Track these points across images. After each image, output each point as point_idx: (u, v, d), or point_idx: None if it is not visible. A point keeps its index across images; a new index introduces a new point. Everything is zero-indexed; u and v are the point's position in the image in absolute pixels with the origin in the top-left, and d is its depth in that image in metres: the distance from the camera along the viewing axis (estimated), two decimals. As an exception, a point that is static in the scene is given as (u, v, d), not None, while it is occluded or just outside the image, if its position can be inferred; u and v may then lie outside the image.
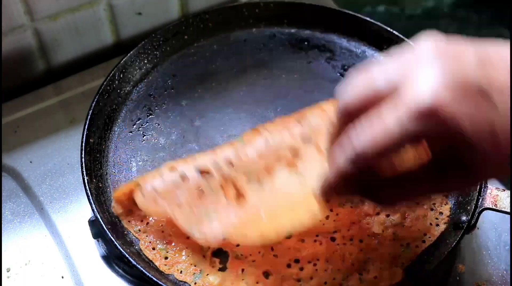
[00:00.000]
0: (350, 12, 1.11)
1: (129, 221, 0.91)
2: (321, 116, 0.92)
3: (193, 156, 0.92)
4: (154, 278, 0.85)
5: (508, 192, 0.91)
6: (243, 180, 0.87)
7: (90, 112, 0.98)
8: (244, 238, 0.84)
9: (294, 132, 0.90)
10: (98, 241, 0.96)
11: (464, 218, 0.91)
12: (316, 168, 0.85)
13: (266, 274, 0.87)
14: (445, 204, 0.95)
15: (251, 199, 0.85)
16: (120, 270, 0.94)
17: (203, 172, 0.89)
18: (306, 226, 0.81)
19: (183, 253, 0.89)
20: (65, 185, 1.03)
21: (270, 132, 0.92)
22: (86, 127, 0.96)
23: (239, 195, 0.86)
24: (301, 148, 0.89)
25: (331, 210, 0.92)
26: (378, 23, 1.10)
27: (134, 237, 0.91)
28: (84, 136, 0.96)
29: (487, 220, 1.02)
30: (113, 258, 0.94)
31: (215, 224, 0.84)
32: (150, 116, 1.04)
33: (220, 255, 0.89)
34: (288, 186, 0.86)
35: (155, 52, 1.09)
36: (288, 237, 0.88)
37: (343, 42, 1.13)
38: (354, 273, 0.87)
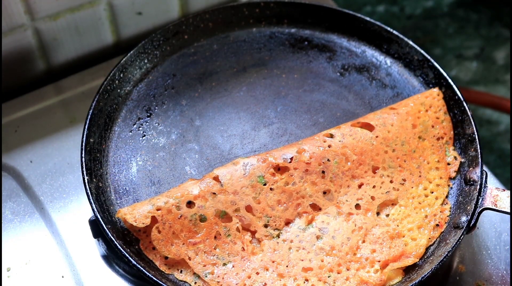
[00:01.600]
0: (350, 12, 1.11)
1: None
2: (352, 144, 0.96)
3: (213, 190, 0.91)
4: (154, 278, 0.85)
5: (508, 192, 0.91)
6: (260, 227, 0.91)
7: (90, 111, 0.98)
8: None
9: (318, 185, 0.94)
10: (98, 240, 0.96)
11: (464, 218, 0.91)
12: (333, 227, 0.92)
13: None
14: (445, 204, 0.95)
15: (267, 249, 0.90)
16: (120, 270, 0.94)
17: (220, 212, 0.90)
18: None
19: None
20: (65, 184, 1.03)
21: (296, 167, 0.94)
22: (86, 126, 0.96)
23: (253, 237, 0.91)
24: (321, 204, 0.93)
25: None
26: (378, 23, 1.10)
27: (133, 237, 0.91)
28: (84, 135, 0.96)
29: (487, 220, 1.02)
30: (113, 258, 0.94)
31: (229, 274, 0.88)
32: (150, 116, 1.04)
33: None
34: (303, 242, 0.91)
35: (155, 52, 1.09)
36: None
37: (343, 42, 1.13)
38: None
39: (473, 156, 0.97)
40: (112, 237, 0.87)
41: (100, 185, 0.95)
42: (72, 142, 1.07)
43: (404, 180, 0.96)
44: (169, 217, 0.89)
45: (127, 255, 0.86)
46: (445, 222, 0.93)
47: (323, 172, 0.94)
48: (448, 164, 0.98)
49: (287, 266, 0.89)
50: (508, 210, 0.89)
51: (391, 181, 0.96)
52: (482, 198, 0.91)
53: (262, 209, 0.91)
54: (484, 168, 0.95)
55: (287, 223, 0.92)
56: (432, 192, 0.96)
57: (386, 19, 2.10)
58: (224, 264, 0.89)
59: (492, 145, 1.88)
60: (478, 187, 0.92)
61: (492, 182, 1.03)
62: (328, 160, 0.94)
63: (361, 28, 1.11)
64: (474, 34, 2.06)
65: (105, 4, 1.15)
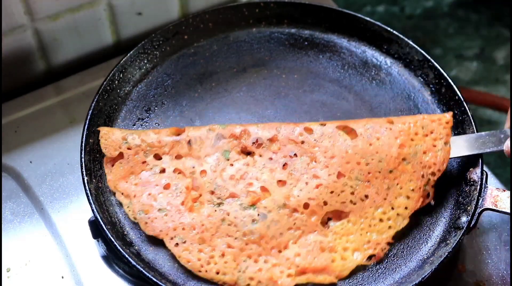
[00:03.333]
0: (350, 12, 1.11)
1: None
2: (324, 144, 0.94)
3: (181, 153, 0.95)
4: (153, 279, 0.85)
5: (508, 193, 0.91)
6: (206, 193, 0.93)
7: (90, 112, 0.98)
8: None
9: (276, 172, 0.93)
10: (98, 241, 0.96)
11: (464, 218, 0.91)
12: (272, 217, 0.90)
13: None
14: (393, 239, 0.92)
15: (204, 211, 0.91)
16: (120, 270, 0.94)
17: (179, 171, 0.94)
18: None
19: None
20: (65, 185, 1.03)
21: (262, 154, 0.95)
22: (86, 127, 0.96)
23: (197, 198, 0.92)
24: (272, 190, 0.92)
25: None
26: (378, 23, 1.10)
27: (133, 237, 0.91)
28: (84, 136, 0.96)
29: (487, 220, 1.02)
30: (113, 258, 0.94)
31: (159, 220, 0.91)
32: (150, 116, 1.04)
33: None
34: (238, 220, 0.91)
35: (155, 52, 1.08)
36: None
37: (343, 42, 1.13)
38: None
39: (473, 157, 0.96)
40: (111, 238, 0.87)
41: (100, 185, 0.95)
42: (72, 142, 1.07)
43: (366, 196, 0.92)
44: (135, 158, 0.95)
45: (126, 255, 0.86)
46: (382, 256, 0.90)
47: (285, 163, 0.94)
48: (421, 200, 0.93)
49: (212, 235, 0.90)
50: (508, 211, 0.89)
51: (352, 193, 0.92)
52: (482, 199, 0.91)
53: (214, 177, 0.93)
54: (484, 168, 0.95)
55: (233, 196, 0.92)
56: (389, 220, 0.91)
57: (386, 19, 2.10)
58: (159, 210, 0.91)
59: (492, 145, 1.87)
60: (478, 187, 0.92)
61: (492, 183, 1.03)
62: (296, 155, 0.94)
63: (361, 28, 1.11)
64: (474, 34, 2.06)
65: (105, 5, 1.15)
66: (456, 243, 0.88)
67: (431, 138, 0.95)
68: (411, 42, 1.08)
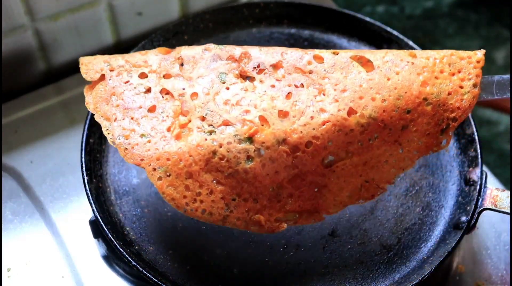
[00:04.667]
0: (350, 12, 1.11)
1: None
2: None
3: (170, 72, 0.85)
4: (154, 279, 0.85)
5: (508, 192, 0.91)
6: (196, 118, 0.81)
7: (90, 112, 0.98)
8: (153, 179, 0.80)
9: (277, 101, 0.81)
10: (98, 241, 0.96)
11: (464, 218, 0.91)
12: (269, 154, 0.79)
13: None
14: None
15: (192, 139, 0.80)
16: (120, 270, 0.94)
17: (167, 92, 0.84)
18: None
19: None
20: (65, 185, 1.03)
21: (263, 80, 0.83)
22: (86, 127, 0.96)
23: (185, 125, 0.81)
24: (272, 122, 0.80)
25: None
26: (378, 23, 1.10)
27: (134, 237, 0.91)
28: (84, 136, 0.96)
29: (486, 220, 1.02)
30: (113, 258, 0.94)
31: (140, 147, 0.80)
32: (150, 116, 1.03)
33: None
34: (230, 154, 0.79)
35: (155, 52, 1.08)
36: None
37: (343, 42, 1.13)
38: None
39: (473, 157, 0.97)
40: (112, 238, 0.87)
41: (100, 185, 0.95)
42: (72, 142, 1.07)
43: (377, 138, 0.81)
44: (117, 79, 0.84)
45: (126, 255, 0.86)
46: (376, 197, 0.83)
47: (289, 93, 0.82)
48: (435, 146, 0.83)
49: (201, 169, 0.79)
50: (508, 210, 0.89)
51: (361, 132, 0.80)
52: (482, 199, 0.91)
53: (206, 101, 0.82)
54: (484, 168, 0.95)
55: (226, 124, 0.80)
56: (394, 162, 0.82)
57: (386, 19, 2.11)
58: (142, 136, 0.81)
59: (492, 145, 1.88)
60: (478, 187, 0.92)
61: (492, 182, 1.03)
62: (302, 85, 0.82)
63: (361, 29, 1.11)
64: (474, 34, 2.06)
65: (105, 5, 1.15)
66: (456, 243, 0.88)
67: (458, 78, 0.83)
68: (411, 42, 1.08)
